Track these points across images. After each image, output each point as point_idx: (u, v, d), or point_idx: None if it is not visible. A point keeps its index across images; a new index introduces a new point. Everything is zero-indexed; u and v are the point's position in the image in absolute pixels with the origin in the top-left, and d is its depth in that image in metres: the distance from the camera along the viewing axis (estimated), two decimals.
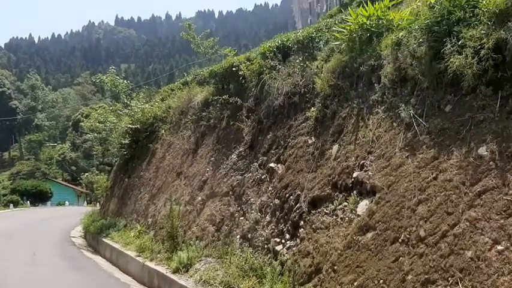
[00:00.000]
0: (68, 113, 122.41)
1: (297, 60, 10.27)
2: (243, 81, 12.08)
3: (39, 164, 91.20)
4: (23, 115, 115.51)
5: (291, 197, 8.50)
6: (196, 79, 15.36)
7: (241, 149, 11.17)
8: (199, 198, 11.75)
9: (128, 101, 18.76)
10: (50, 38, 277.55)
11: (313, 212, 7.78)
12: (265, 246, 8.60)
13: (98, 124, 19.38)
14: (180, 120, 15.36)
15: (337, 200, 7.33)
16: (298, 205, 8.21)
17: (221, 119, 12.64)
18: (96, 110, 22.00)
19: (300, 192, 8.32)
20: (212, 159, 12.21)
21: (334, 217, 7.23)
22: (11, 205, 45.46)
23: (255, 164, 10.30)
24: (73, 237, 20.74)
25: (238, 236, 9.52)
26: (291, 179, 8.78)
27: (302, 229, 7.87)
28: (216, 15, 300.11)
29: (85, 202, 59.70)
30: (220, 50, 18.77)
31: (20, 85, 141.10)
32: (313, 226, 7.55)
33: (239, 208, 10.07)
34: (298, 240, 7.86)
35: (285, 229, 8.40)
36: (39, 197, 55.53)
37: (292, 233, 8.16)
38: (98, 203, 41.13)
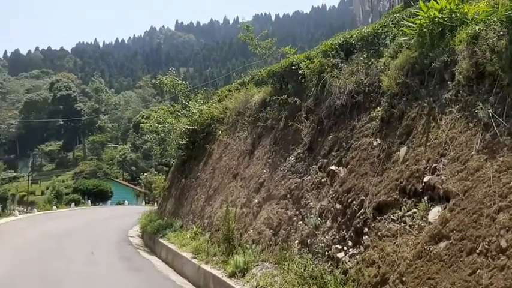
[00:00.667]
0: (129, 115, 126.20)
1: (361, 58, 9.77)
2: (302, 81, 11.68)
3: (101, 164, 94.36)
4: (87, 117, 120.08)
5: (354, 201, 8.01)
6: (253, 80, 15.08)
7: (299, 151, 10.76)
8: (256, 200, 11.43)
9: (186, 102, 18.81)
10: (113, 42, 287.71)
11: (378, 218, 7.27)
12: (326, 253, 8.15)
13: (157, 125, 19.55)
14: (236, 121, 15.14)
15: (405, 206, 6.80)
16: (361, 211, 7.71)
17: (279, 120, 12.28)
18: (155, 111, 22.15)
19: (363, 197, 7.82)
20: (269, 160, 11.87)
21: (402, 224, 6.71)
22: (73, 204, 46.93)
23: (314, 166, 9.86)
24: (131, 236, 20.99)
25: (296, 241, 9.12)
26: (353, 182, 8.28)
27: (366, 236, 7.37)
28: (273, 18, 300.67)
29: (143, 202, 61.02)
30: (278, 51, 18.45)
31: (84, 88, 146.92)
32: (378, 233, 7.05)
33: (297, 212, 9.66)
34: (362, 248, 7.36)
35: (347, 236, 7.92)
36: (99, 196, 57.09)
37: (355, 240, 7.67)
38: (155, 203, 41.88)
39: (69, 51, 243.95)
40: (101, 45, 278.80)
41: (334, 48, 10.67)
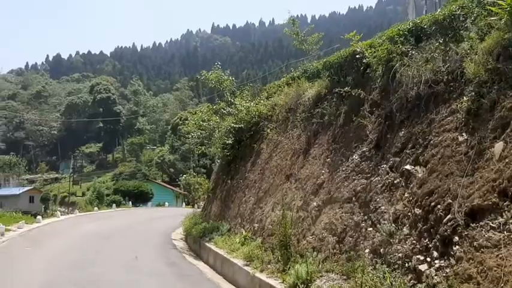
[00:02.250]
0: (167, 117, 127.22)
1: (436, 44, 8.67)
2: (365, 72, 10.63)
3: (139, 166, 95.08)
4: (126, 118, 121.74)
5: (439, 206, 6.94)
6: (305, 74, 14.07)
7: (364, 149, 9.71)
8: (314, 203, 10.42)
9: (231, 99, 17.93)
10: (151, 46, 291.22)
11: (472, 225, 6.22)
12: (405, 264, 7.10)
13: (201, 123, 18.71)
14: (287, 119, 14.16)
15: (508, 211, 5.76)
16: (449, 216, 6.65)
17: (337, 116, 11.25)
18: (200, 111, 21.36)
19: (451, 201, 6.74)
20: (328, 160, 10.85)
21: (505, 233, 5.68)
22: (114, 205, 46.92)
23: (384, 166, 8.81)
24: (174, 239, 20.30)
25: (367, 250, 8.08)
26: (436, 184, 7.20)
27: (458, 246, 6.30)
28: (309, 20, 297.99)
29: (183, 203, 60.66)
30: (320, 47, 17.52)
31: (123, 91, 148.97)
32: (474, 243, 6.00)
33: (366, 217, 8.62)
34: (452, 260, 6.30)
35: (431, 245, 6.85)
36: (140, 198, 57.01)
37: (442, 251, 6.60)
38: (196, 205, 41.33)
39: (108, 55, 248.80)
40: (138, 49, 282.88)
41: (403, 34, 9.61)
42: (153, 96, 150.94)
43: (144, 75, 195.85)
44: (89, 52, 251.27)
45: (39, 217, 28.30)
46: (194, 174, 66.74)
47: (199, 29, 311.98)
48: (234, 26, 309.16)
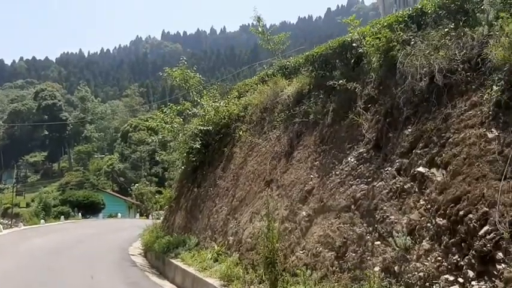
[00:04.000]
0: (117, 124, 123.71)
1: (446, 29, 7.64)
2: (356, 64, 9.51)
3: (87, 175, 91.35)
4: (73, 125, 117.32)
5: (470, 215, 5.83)
6: (282, 70, 12.83)
7: (361, 150, 8.57)
8: (304, 213, 9.15)
9: (198, 99, 16.42)
10: (99, 52, 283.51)
11: None
12: (428, 285, 5.94)
13: (164, 125, 17.02)
14: (263, 119, 12.87)
15: None
16: (487, 228, 5.55)
17: (324, 114, 10.07)
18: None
19: (487, 209, 5.65)
20: (316, 163, 9.62)
21: None
22: (62, 217, 43.98)
23: (389, 168, 7.67)
24: (132, 255, 18.48)
25: (376, 268, 6.86)
26: (464, 189, 6.09)
27: (503, 265, 5.17)
28: (260, 29, 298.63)
29: (137, 214, 57.90)
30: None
31: (70, 97, 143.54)
32: None
33: (370, 228, 7.43)
34: (498, 282, 5.16)
35: (462, 262, 5.72)
36: (90, 209, 53.86)
37: (480, 270, 5.48)
38: (150, 215, 39.19)
39: (54, 61, 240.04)
40: (86, 54, 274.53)
41: (404, 20, 8.55)
42: (101, 102, 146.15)
43: (92, 81, 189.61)
44: (34, 58, 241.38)
45: None
46: (146, 183, 64.37)
47: (149, 36, 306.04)
48: (185, 33, 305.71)
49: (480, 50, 6.90)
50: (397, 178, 7.41)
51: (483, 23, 7.15)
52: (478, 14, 7.33)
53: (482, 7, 7.33)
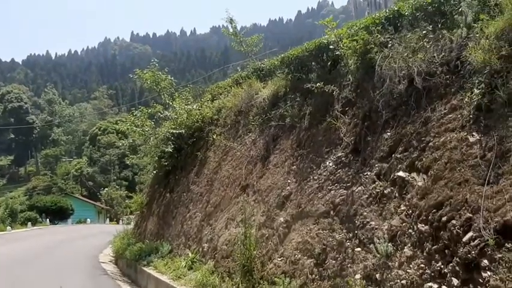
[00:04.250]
0: (85, 127, 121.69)
1: (423, 32, 7.57)
2: (332, 67, 9.38)
3: (55, 179, 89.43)
4: (40, 128, 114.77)
5: (453, 221, 5.71)
6: (256, 73, 12.63)
7: (339, 154, 8.40)
8: (281, 219, 8.94)
9: (169, 101, 16.04)
10: (66, 54, 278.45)
11: (508, 245, 4.98)
12: None
13: (135, 128, 16.57)
14: (237, 122, 12.63)
15: None
16: (471, 234, 5.41)
17: (301, 117, 9.89)
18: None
19: (471, 215, 5.52)
20: (294, 168, 9.43)
21: None
22: (29, 223, 42.73)
23: (368, 173, 7.54)
24: (103, 262, 17.98)
25: (357, 276, 6.70)
26: (446, 194, 5.97)
27: (489, 272, 5.05)
28: (231, 30, 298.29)
29: (107, 219, 56.76)
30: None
31: (36, 100, 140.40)
32: None
33: (351, 235, 7.27)
34: None
35: (446, 270, 5.59)
36: (58, 214, 52.52)
37: (464, 277, 5.36)
38: (120, 220, 38.49)
39: (20, 62, 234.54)
40: (53, 56, 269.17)
41: (380, 22, 8.45)
42: (69, 105, 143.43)
43: (59, 83, 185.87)
44: None
45: None
46: (116, 187, 63.22)
47: (118, 37, 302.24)
48: (154, 34, 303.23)
49: (459, 53, 6.83)
50: (376, 183, 7.27)
51: (461, 25, 7.09)
52: (456, 16, 7.27)
53: (460, 9, 7.27)
